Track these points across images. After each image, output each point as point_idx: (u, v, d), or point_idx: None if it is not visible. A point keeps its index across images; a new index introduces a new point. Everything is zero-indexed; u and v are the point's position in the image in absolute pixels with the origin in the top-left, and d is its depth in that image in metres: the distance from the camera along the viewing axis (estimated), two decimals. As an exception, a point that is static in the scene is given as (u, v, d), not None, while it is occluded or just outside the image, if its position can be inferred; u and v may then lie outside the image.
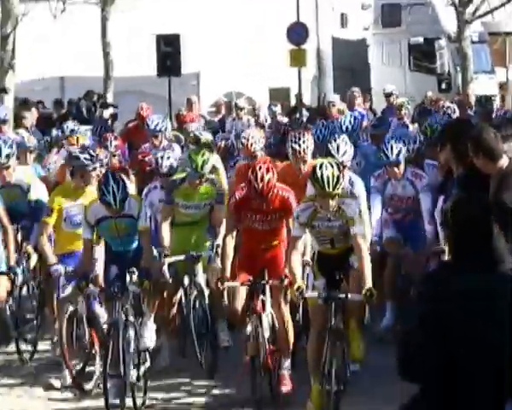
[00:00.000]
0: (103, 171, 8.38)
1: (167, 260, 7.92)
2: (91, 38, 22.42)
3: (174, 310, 8.18)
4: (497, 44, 24.68)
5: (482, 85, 21.51)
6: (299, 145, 7.99)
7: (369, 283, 6.58)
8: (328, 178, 6.57)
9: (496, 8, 22.68)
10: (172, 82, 19.20)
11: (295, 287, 6.58)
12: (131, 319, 7.29)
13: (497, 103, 17.50)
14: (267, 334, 6.99)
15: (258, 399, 7.03)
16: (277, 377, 7.03)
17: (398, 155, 8.39)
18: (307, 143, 8.02)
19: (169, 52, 19.90)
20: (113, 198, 7.24)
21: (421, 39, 24.11)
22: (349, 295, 6.65)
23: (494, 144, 6.13)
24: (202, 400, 7.71)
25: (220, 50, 23.42)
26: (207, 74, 23.94)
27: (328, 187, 6.52)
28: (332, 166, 6.69)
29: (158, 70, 19.46)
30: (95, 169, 8.18)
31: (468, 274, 3.34)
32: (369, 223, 7.95)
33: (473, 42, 22.94)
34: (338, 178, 6.60)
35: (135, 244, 7.63)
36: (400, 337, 3.68)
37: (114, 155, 10.48)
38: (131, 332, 7.28)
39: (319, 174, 6.62)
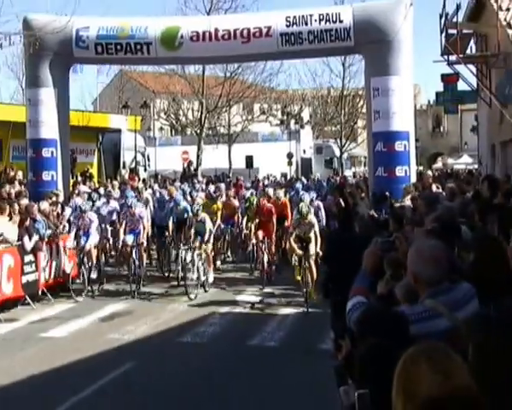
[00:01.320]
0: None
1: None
2: (224, 160, 38.37)
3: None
4: (353, 159, 48.14)
5: (349, 172, 39.00)
6: (279, 193, 15.44)
7: (317, 247, 11.94)
8: (303, 210, 12.05)
9: (353, 148, 43.17)
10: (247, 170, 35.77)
11: (296, 252, 12.43)
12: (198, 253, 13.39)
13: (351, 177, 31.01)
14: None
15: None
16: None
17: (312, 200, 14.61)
18: (281, 193, 15.27)
19: (249, 160, 37.59)
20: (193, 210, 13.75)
21: (329, 157, 42.40)
22: (310, 252, 11.98)
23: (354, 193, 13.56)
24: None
25: (263, 160, 36.83)
26: (261, 168, 36.54)
27: (303, 214, 11.98)
28: (306, 207, 12.00)
29: (246, 166, 36.73)
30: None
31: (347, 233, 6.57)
32: (318, 226, 12.90)
33: (346, 158, 43.06)
34: (307, 211, 12.03)
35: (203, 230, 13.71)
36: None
37: (212, 197, 17.07)
38: (197, 259, 13.25)
39: (300, 209, 11.95)
